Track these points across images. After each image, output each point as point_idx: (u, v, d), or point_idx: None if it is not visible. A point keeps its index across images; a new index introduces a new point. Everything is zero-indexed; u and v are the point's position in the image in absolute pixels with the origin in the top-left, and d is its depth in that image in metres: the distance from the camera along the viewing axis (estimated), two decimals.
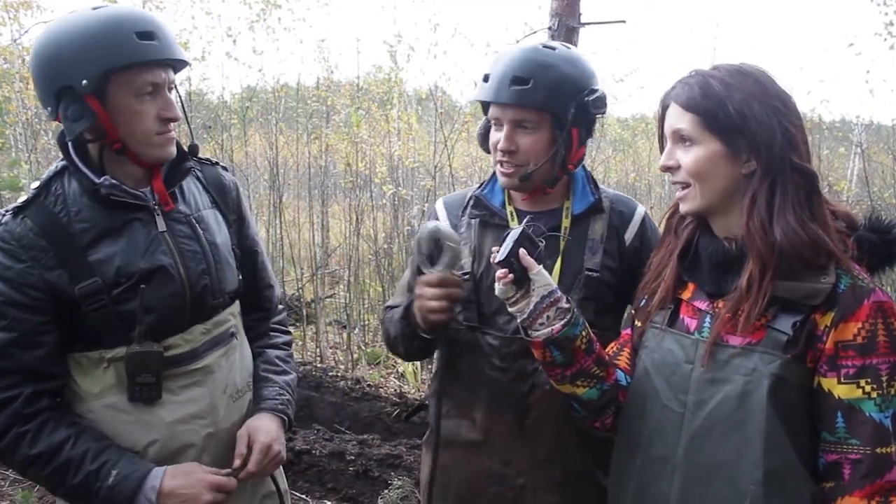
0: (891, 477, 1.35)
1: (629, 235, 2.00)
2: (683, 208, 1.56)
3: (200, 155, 1.91)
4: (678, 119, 1.49)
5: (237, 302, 1.92)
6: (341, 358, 7.50)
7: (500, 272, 1.59)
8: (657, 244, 1.87)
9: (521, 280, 1.59)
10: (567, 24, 3.72)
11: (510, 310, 1.63)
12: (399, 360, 6.78)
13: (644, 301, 1.69)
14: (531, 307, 1.58)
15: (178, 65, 1.72)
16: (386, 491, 4.17)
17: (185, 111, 1.79)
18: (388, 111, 9.44)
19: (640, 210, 2.06)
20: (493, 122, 1.94)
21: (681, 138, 1.50)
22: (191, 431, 1.74)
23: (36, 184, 1.70)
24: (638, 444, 1.59)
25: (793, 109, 1.46)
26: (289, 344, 2.11)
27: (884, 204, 9.14)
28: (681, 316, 1.58)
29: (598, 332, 1.81)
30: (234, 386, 1.86)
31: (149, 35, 1.61)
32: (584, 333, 1.62)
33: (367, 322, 8.15)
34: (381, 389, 6.46)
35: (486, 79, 1.89)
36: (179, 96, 1.77)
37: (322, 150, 9.20)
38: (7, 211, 1.65)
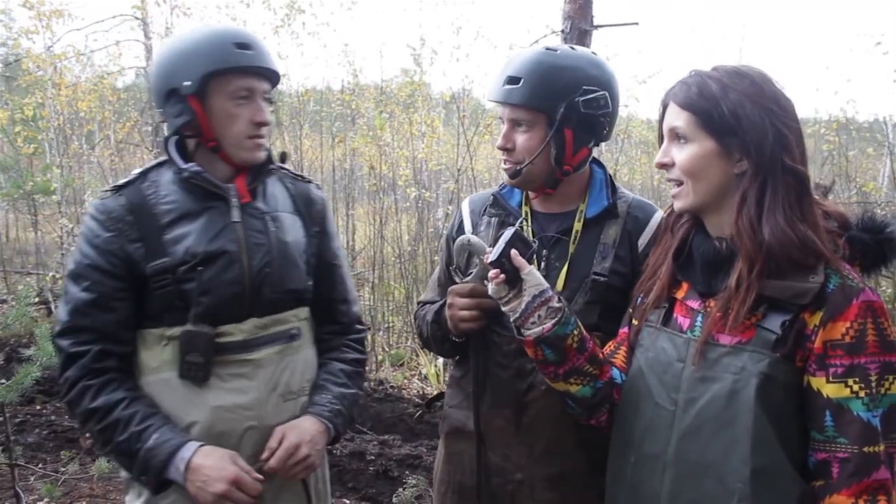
0: (878, 476, 1.35)
1: (643, 241, 1.97)
2: (677, 206, 1.58)
3: None
4: (675, 117, 1.52)
5: (307, 308, 1.99)
6: None
7: (492, 272, 1.63)
8: None
9: (513, 280, 1.62)
10: (579, 26, 3.73)
11: (503, 309, 1.66)
12: (422, 363, 6.82)
13: (640, 299, 1.71)
14: (523, 306, 1.61)
15: (272, 76, 1.88)
16: (401, 489, 4.20)
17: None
18: (412, 114, 9.49)
19: (657, 216, 2.01)
20: (500, 120, 1.99)
21: (676, 136, 1.52)
22: (233, 420, 1.81)
23: (138, 170, 1.91)
24: (631, 442, 1.61)
25: (789, 112, 1.46)
26: (359, 362, 2.12)
27: None
28: (675, 315, 1.59)
29: (603, 336, 1.83)
30: (287, 386, 1.89)
31: (245, 45, 1.79)
32: (575, 332, 1.63)
33: (391, 324, 8.20)
34: (403, 391, 6.50)
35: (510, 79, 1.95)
36: (272, 104, 1.96)
37: (347, 153, 9.28)
38: (110, 188, 1.87)
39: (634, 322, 1.72)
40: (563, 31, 3.76)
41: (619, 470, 1.65)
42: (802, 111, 1.53)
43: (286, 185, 2.02)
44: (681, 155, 1.51)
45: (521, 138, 1.92)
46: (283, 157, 2.02)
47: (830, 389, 1.38)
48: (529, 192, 2.06)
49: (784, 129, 1.44)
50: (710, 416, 1.45)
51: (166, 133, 1.87)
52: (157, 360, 1.80)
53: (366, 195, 10.25)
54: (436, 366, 6.59)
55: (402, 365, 7.35)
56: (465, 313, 1.88)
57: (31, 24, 10.22)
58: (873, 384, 1.35)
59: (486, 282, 1.79)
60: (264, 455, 1.80)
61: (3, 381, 3.24)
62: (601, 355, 1.71)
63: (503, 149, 1.95)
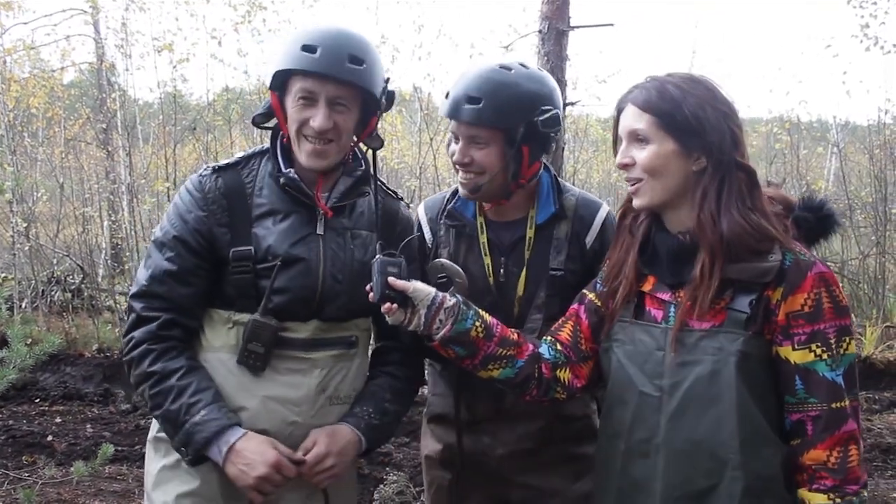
0: (847, 427, 1.51)
1: (590, 239, 2.12)
2: (636, 203, 1.67)
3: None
4: (636, 119, 1.62)
5: (369, 319, 2.00)
6: None
7: (384, 308, 1.73)
8: None
9: (404, 302, 1.73)
10: (557, 27, 3.78)
11: (408, 329, 1.76)
12: None
13: (600, 284, 1.82)
14: (423, 319, 1.73)
15: (339, 81, 1.78)
16: (382, 486, 4.21)
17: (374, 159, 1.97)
18: None
19: (602, 213, 2.15)
20: (452, 134, 2.05)
21: (637, 138, 1.62)
22: (279, 412, 1.84)
23: (242, 153, 1.95)
24: (620, 432, 1.69)
25: (736, 113, 1.61)
26: (411, 381, 2.08)
27: (860, 202, 9.32)
28: (646, 308, 1.69)
29: None
30: (336, 391, 1.91)
31: (311, 48, 1.76)
32: (477, 323, 1.75)
33: None
34: None
35: (447, 96, 2.01)
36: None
37: None
38: (211, 167, 1.90)
39: (594, 299, 1.82)
40: (540, 32, 3.81)
41: (609, 458, 1.73)
42: (756, 111, 1.70)
43: (377, 199, 1.97)
44: (641, 155, 1.62)
45: (478, 154, 1.99)
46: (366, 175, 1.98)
47: (797, 356, 1.53)
48: (483, 203, 2.14)
49: (735, 130, 1.59)
50: (696, 396, 1.56)
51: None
52: (221, 340, 1.85)
53: None
54: None
55: None
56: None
57: None
58: (833, 346, 1.51)
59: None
60: (299, 454, 1.81)
61: None
62: (513, 336, 1.80)
63: (460, 163, 2.01)
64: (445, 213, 2.17)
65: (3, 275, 8.55)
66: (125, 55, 9.59)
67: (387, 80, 1.88)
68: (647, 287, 1.70)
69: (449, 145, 2.11)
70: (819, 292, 1.51)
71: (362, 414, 1.92)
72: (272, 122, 1.91)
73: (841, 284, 1.60)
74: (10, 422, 5.46)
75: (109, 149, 9.96)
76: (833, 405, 1.50)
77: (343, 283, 1.88)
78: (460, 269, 1.98)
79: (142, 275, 1.85)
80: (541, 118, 1.95)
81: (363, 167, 1.98)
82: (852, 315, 1.55)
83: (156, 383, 1.78)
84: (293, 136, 1.83)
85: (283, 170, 1.87)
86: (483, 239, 2.11)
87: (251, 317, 1.81)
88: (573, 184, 2.51)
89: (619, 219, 1.79)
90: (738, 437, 1.51)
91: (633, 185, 1.65)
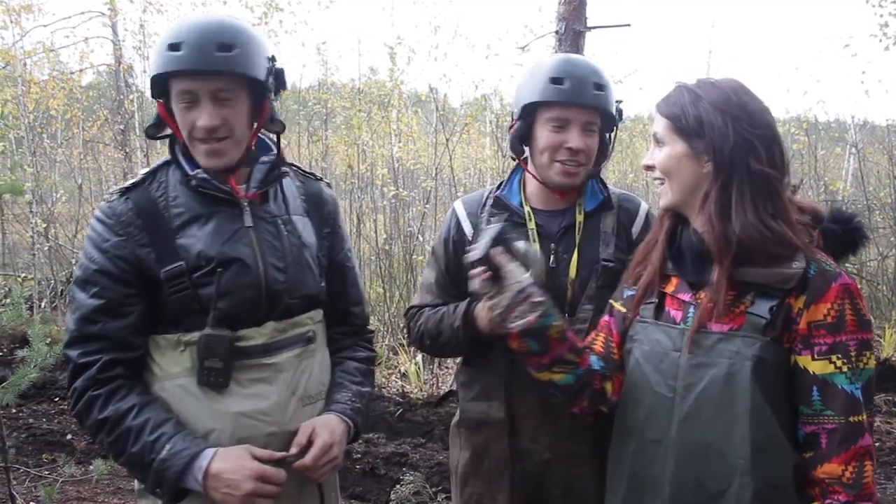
0: (863, 443, 1.48)
1: (636, 230, 2.16)
2: (661, 203, 1.72)
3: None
4: (656, 123, 1.68)
5: (320, 310, 1.95)
6: None
7: (477, 269, 1.69)
8: None
9: (497, 277, 1.69)
10: (574, 28, 3.78)
11: (487, 304, 1.75)
12: (401, 361, 6.83)
13: (627, 289, 1.82)
14: (506, 302, 1.69)
15: (207, 74, 1.68)
16: (398, 486, 4.22)
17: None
18: (389, 113, 9.50)
19: (644, 206, 2.22)
20: (554, 123, 2.05)
21: (656, 140, 1.67)
22: (254, 426, 1.76)
23: (146, 170, 1.83)
24: (632, 431, 1.70)
25: (756, 119, 1.58)
26: (371, 360, 2.10)
27: (879, 203, 9.23)
28: (666, 308, 1.70)
29: None
30: (305, 390, 1.86)
31: (175, 46, 1.65)
32: (556, 323, 1.72)
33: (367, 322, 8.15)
34: (383, 389, 6.50)
35: (558, 81, 2.02)
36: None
37: (323, 152, 9.24)
38: (117, 191, 1.79)
39: (622, 308, 1.82)
40: (557, 33, 3.81)
41: (620, 457, 1.75)
42: (773, 111, 1.68)
43: (296, 183, 1.96)
44: (659, 156, 1.66)
45: (590, 141, 2.07)
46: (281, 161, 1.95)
47: (816, 366, 1.50)
48: (530, 193, 2.17)
49: (748, 136, 1.56)
50: (709, 398, 1.56)
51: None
52: (176, 366, 1.74)
53: (342, 194, 10.25)
54: (415, 363, 6.61)
55: (380, 364, 7.34)
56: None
57: None
58: (854, 359, 1.49)
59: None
60: (293, 450, 1.76)
61: None
62: (579, 345, 1.81)
63: (577, 152, 2.05)
64: (491, 203, 2.18)
65: (24, 275, 8.64)
66: (143, 57, 9.68)
67: (272, 59, 1.76)
68: (669, 288, 1.70)
69: (522, 136, 2.13)
70: (843, 303, 1.49)
71: (344, 401, 1.90)
72: (169, 131, 1.81)
73: (860, 286, 1.59)
74: (31, 420, 5.52)
75: (127, 150, 10.06)
76: (850, 419, 1.48)
77: (285, 271, 1.82)
78: (540, 256, 1.88)
79: (70, 320, 1.73)
80: (619, 108, 2.11)
81: (275, 153, 1.91)
82: (871, 317, 1.53)
83: (111, 429, 1.68)
84: (187, 140, 1.75)
85: (191, 172, 1.77)
86: (531, 226, 2.12)
87: (202, 332, 1.72)
88: None
89: (658, 217, 1.81)
90: (749, 443, 1.50)
91: (659, 185, 1.69)
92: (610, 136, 2.17)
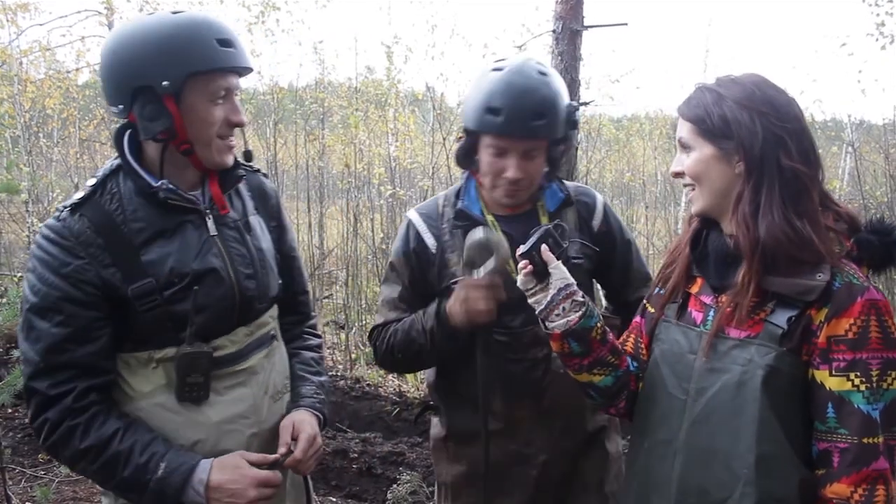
0: (877, 466, 1.41)
1: (596, 222, 2.17)
2: (692, 210, 1.66)
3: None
4: (680, 129, 1.62)
5: (276, 306, 1.95)
6: (339, 358, 7.53)
7: (522, 263, 1.70)
8: (619, 227, 2.21)
9: (541, 273, 1.69)
10: (571, 27, 3.78)
11: (529, 301, 1.72)
12: None
13: (658, 289, 1.78)
14: (548, 299, 1.67)
15: (244, 72, 1.75)
16: (395, 486, 4.22)
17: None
18: (385, 112, 9.49)
19: (600, 198, 2.23)
20: (493, 150, 2.01)
21: (683, 146, 1.61)
22: (236, 431, 1.77)
23: (92, 181, 1.71)
24: (646, 430, 1.69)
25: (783, 112, 1.51)
26: (320, 347, 2.12)
27: (875, 202, 9.24)
28: (689, 309, 1.67)
29: None
30: (274, 387, 1.88)
31: (228, 43, 1.66)
32: (598, 325, 1.70)
33: (364, 322, 8.19)
34: (380, 389, 6.50)
35: (495, 112, 1.95)
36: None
37: (320, 151, 9.23)
38: (64, 207, 1.66)
39: (651, 309, 1.79)
40: (554, 31, 3.81)
41: (634, 456, 1.75)
42: None
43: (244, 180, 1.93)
44: (687, 162, 1.60)
45: (530, 167, 2.03)
46: (249, 156, 1.92)
47: (833, 382, 1.44)
48: (487, 198, 2.14)
49: (777, 130, 1.49)
50: (719, 404, 1.53)
51: (142, 135, 1.67)
52: (149, 384, 1.69)
53: (338, 193, 10.25)
54: None
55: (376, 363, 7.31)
56: (483, 305, 1.93)
57: None
58: (874, 379, 1.41)
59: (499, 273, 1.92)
60: (282, 450, 1.77)
61: None
62: (619, 346, 1.79)
63: (516, 181, 2.02)
64: (454, 216, 2.14)
65: (20, 274, 8.60)
66: None
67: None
68: (694, 289, 1.68)
69: (466, 155, 2.11)
70: (867, 319, 1.41)
71: (310, 394, 1.93)
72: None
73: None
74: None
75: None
76: (864, 440, 1.41)
77: (255, 277, 1.81)
78: (503, 240, 1.93)
79: (31, 351, 1.60)
80: (572, 116, 2.03)
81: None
82: None
83: (96, 457, 1.61)
84: (209, 138, 1.69)
85: (155, 184, 1.68)
86: (497, 233, 2.09)
87: (179, 350, 1.67)
88: (586, 183, 2.58)
89: (686, 220, 1.78)
90: (754, 453, 1.47)
91: (690, 191, 1.64)
92: (561, 148, 2.11)
